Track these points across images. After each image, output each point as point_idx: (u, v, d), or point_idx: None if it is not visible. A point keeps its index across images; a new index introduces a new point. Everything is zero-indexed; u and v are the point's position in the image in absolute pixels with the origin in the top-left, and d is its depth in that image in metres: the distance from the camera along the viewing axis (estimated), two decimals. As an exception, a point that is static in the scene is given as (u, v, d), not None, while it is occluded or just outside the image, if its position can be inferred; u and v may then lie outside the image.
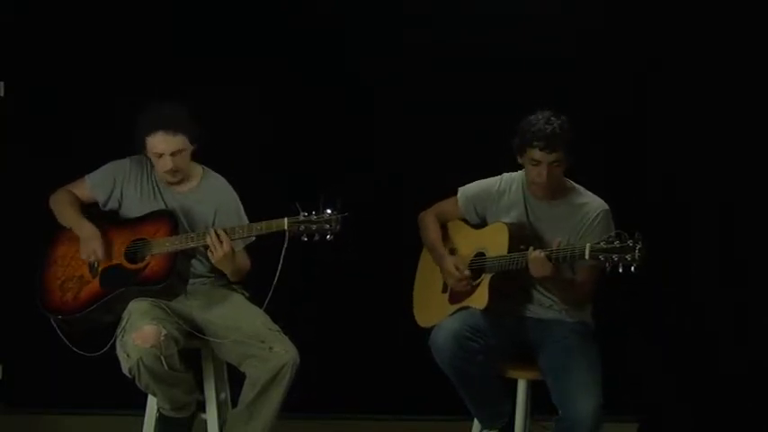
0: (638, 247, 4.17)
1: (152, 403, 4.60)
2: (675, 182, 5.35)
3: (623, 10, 5.31)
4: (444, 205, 4.79)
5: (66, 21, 5.29)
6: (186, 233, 4.54)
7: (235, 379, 4.69)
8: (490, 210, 4.67)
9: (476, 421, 4.66)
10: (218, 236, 4.46)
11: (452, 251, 4.72)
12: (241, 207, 4.72)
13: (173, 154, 4.56)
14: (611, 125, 5.31)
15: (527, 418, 4.59)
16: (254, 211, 4.71)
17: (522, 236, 4.53)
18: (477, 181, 4.74)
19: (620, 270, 4.20)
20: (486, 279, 4.53)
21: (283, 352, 4.46)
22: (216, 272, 4.65)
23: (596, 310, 4.65)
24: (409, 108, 5.36)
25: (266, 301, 4.50)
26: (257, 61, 5.35)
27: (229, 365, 4.67)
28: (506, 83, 5.27)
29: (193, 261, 4.64)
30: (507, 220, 4.59)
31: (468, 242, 4.69)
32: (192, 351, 4.61)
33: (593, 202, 4.56)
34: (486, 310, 4.49)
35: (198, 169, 4.73)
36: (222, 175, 4.77)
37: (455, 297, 4.63)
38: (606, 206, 4.55)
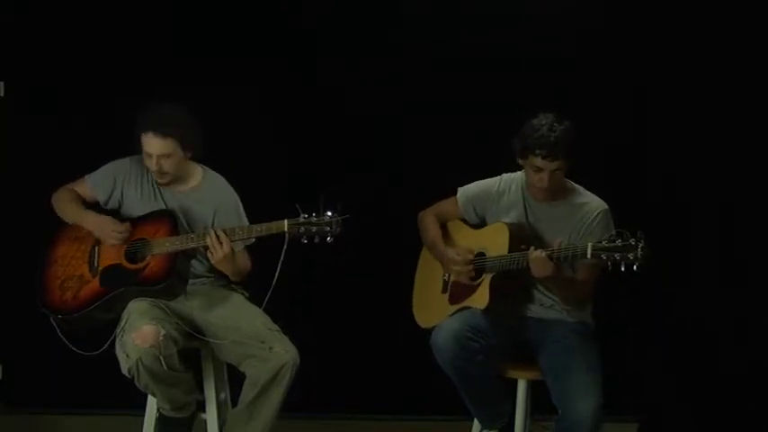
0: (641, 245, 4.17)
1: (152, 403, 4.60)
2: (675, 182, 5.35)
3: (623, 10, 5.31)
4: (444, 205, 4.79)
5: (66, 21, 5.29)
6: (186, 233, 4.54)
7: (235, 379, 4.69)
8: (490, 210, 4.67)
9: (476, 421, 4.66)
10: (217, 237, 4.46)
11: (452, 251, 4.72)
12: (241, 207, 4.72)
13: (159, 156, 4.56)
14: (611, 125, 5.31)
15: (527, 418, 4.59)
16: (254, 211, 4.71)
17: (523, 236, 4.53)
18: (477, 181, 4.73)
19: (623, 269, 4.20)
20: (486, 279, 4.53)
21: (283, 352, 4.46)
22: (215, 272, 4.65)
23: (596, 310, 4.65)
24: (409, 108, 5.36)
25: (265, 301, 4.50)
26: (257, 61, 5.35)
27: (229, 365, 4.67)
28: (506, 83, 5.27)
29: (193, 261, 4.64)
30: (507, 220, 4.59)
31: (468, 242, 4.68)
32: (191, 351, 4.61)
33: (592, 202, 4.56)
34: (486, 311, 4.48)
35: (198, 169, 4.73)
36: (222, 175, 4.77)
37: (455, 297, 4.63)
38: (606, 206, 4.55)
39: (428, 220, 4.79)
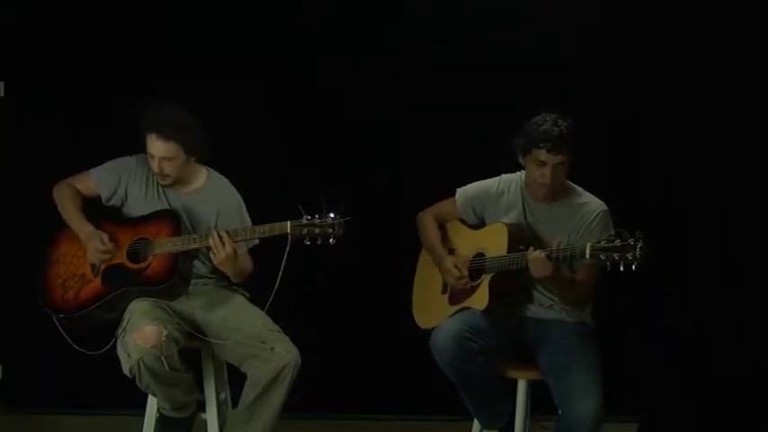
0: (639, 245, 4.17)
1: (152, 403, 4.60)
2: (675, 182, 5.35)
3: (623, 10, 5.31)
4: (443, 206, 4.79)
5: (67, 21, 5.29)
6: (189, 234, 4.54)
7: (235, 379, 4.70)
8: (489, 210, 4.67)
9: (476, 421, 4.65)
10: (220, 238, 4.46)
11: (451, 252, 4.71)
12: (244, 209, 4.72)
13: (161, 159, 4.56)
14: (611, 125, 5.31)
15: (527, 418, 4.59)
16: (254, 211, 4.72)
17: (522, 236, 4.53)
18: (476, 182, 4.73)
19: (622, 269, 4.20)
20: (485, 280, 4.53)
21: (285, 352, 4.46)
22: (217, 272, 4.64)
23: (596, 310, 4.65)
24: (409, 108, 5.36)
25: (267, 304, 4.50)
26: (257, 61, 5.35)
27: (229, 365, 4.67)
28: (506, 83, 5.27)
29: (195, 262, 4.64)
30: (506, 220, 4.59)
31: (467, 243, 4.68)
32: (192, 351, 4.61)
33: (591, 203, 4.56)
34: (486, 311, 4.48)
35: (202, 171, 4.73)
36: (221, 174, 4.77)
37: (455, 298, 4.63)
38: (605, 206, 4.55)
39: (427, 221, 4.79)
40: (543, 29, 5.31)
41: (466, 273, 4.56)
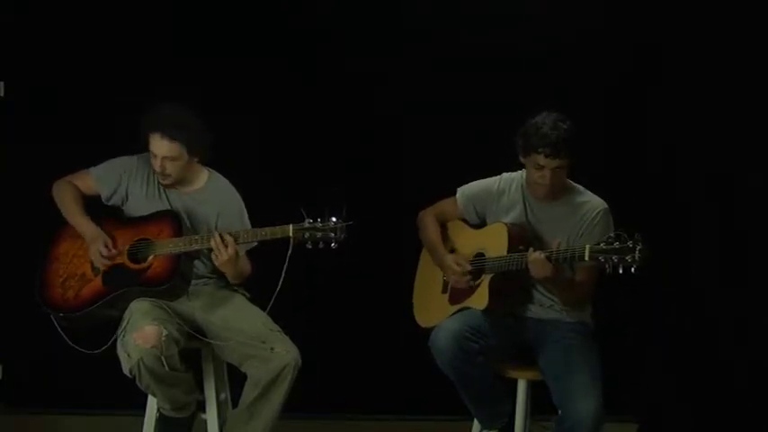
0: (638, 247, 4.16)
1: (152, 403, 4.60)
2: (676, 182, 5.35)
3: (623, 10, 5.31)
4: (443, 205, 4.79)
5: (67, 21, 5.28)
6: (190, 235, 4.54)
7: (235, 379, 4.70)
8: (490, 209, 4.67)
9: (476, 421, 4.66)
10: (222, 239, 4.46)
11: (452, 251, 4.71)
12: (244, 210, 4.71)
13: (164, 159, 4.56)
14: (611, 125, 5.31)
15: (527, 418, 4.59)
16: (254, 212, 4.72)
17: (522, 236, 4.53)
18: (477, 181, 4.73)
19: (621, 271, 4.20)
20: (485, 279, 4.53)
21: (285, 353, 4.46)
22: (217, 272, 4.64)
23: (596, 310, 4.65)
24: (409, 108, 5.36)
25: (269, 305, 4.50)
26: (257, 61, 5.34)
27: (230, 365, 4.67)
28: (506, 83, 5.27)
29: (196, 262, 4.64)
30: (506, 219, 4.59)
31: (467, 242, 4.68)
32: (192, 351, 4.61)
33: (592, 202, 4.56)
34: (486, 311, 4.49)
35: (204, 172, 4.73)
36: (220, 174, 4.77)
37: (455, 298, 4.63)
38: (605, 205, 4.55)
39: (428, 220, 4.79)
40: (543, 29, 5.31)
41: (468, 268, 4.55)
